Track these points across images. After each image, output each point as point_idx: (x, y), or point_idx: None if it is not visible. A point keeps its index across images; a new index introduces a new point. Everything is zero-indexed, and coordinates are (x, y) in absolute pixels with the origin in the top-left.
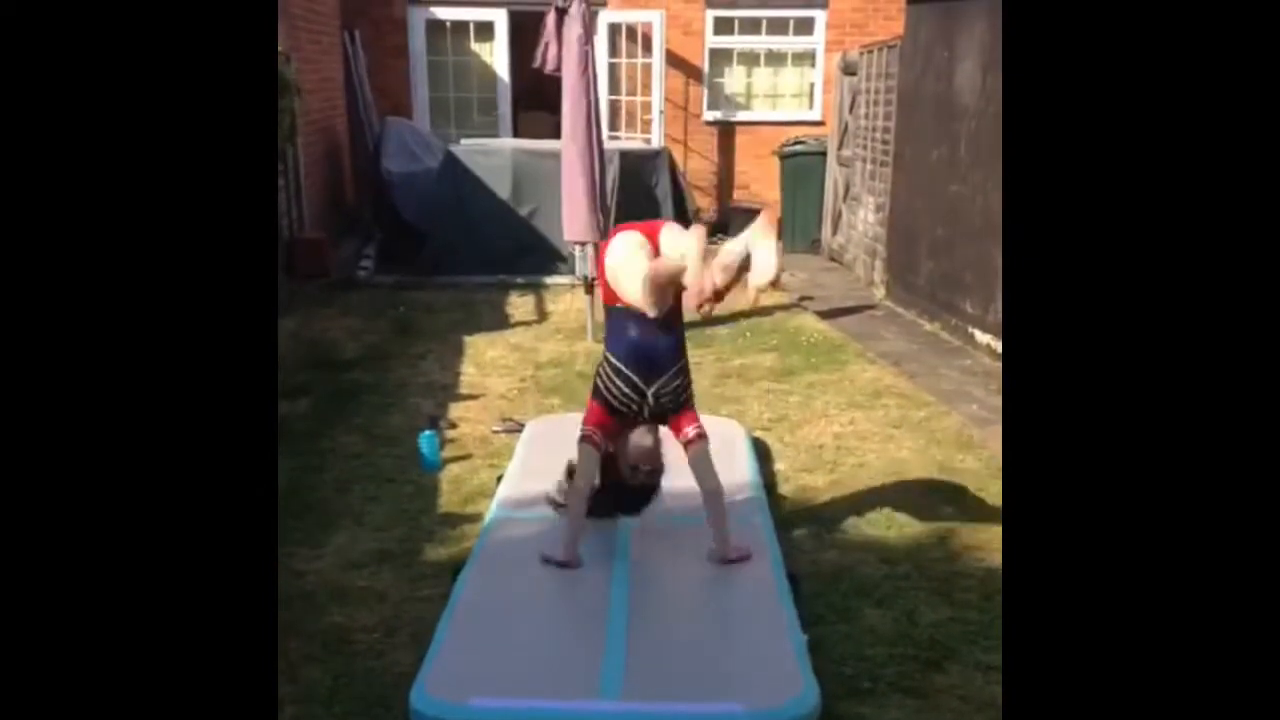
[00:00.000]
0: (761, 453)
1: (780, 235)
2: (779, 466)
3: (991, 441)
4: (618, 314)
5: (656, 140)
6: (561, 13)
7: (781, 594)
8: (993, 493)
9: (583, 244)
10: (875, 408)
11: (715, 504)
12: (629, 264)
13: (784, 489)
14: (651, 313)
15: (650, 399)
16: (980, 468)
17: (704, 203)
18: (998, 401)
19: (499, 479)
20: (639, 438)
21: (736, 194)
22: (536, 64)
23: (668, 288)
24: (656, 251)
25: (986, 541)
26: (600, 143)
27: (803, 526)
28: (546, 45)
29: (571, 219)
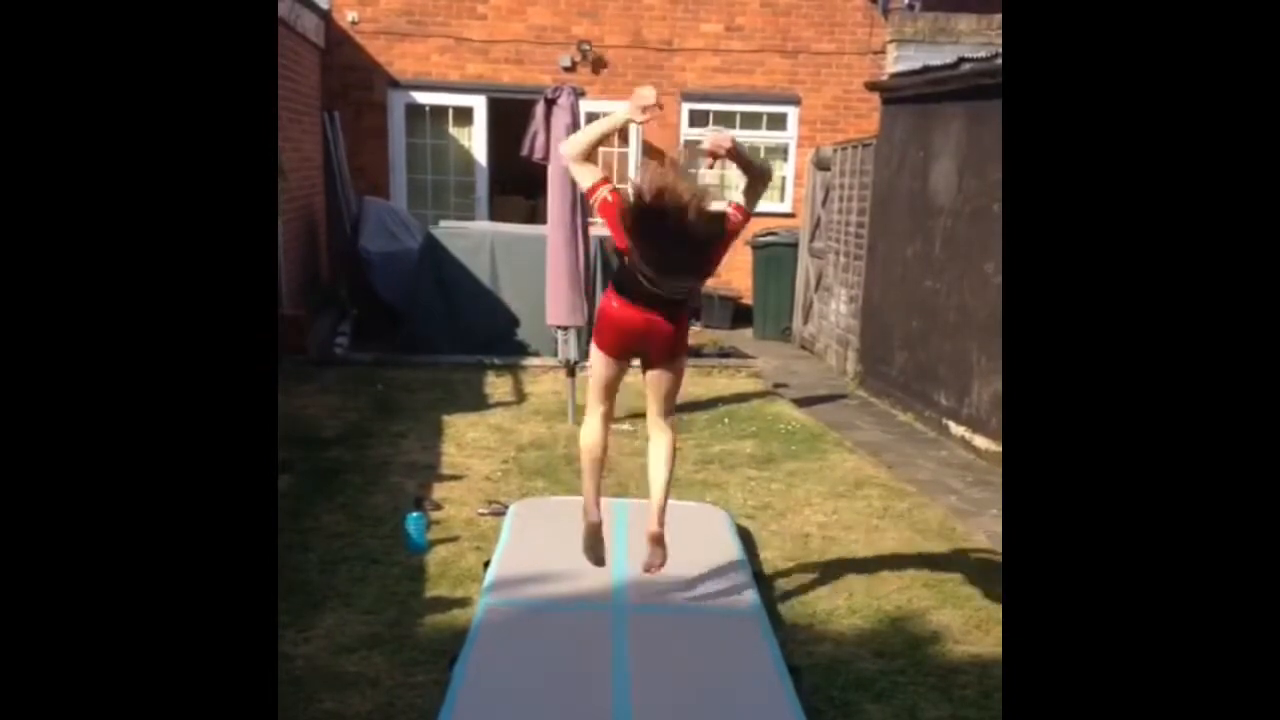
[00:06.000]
0: (746, 540)
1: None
2: (765, 555)
3: (974, 534)
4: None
5: None
6: (550, 103)
7: (785, 687)
8: (980, 586)
9: (565, 328)
10: (857, 498)
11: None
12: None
13: (772, 578)
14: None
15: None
16: (965, 560)
17: None
18: (977, 494)
19: (486, 564)
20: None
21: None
22: (524, 152)
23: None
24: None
25: (979, 637)
26: (585, 229)
27: (795, 618)
28: (535, 134)
29: (555, 303)
